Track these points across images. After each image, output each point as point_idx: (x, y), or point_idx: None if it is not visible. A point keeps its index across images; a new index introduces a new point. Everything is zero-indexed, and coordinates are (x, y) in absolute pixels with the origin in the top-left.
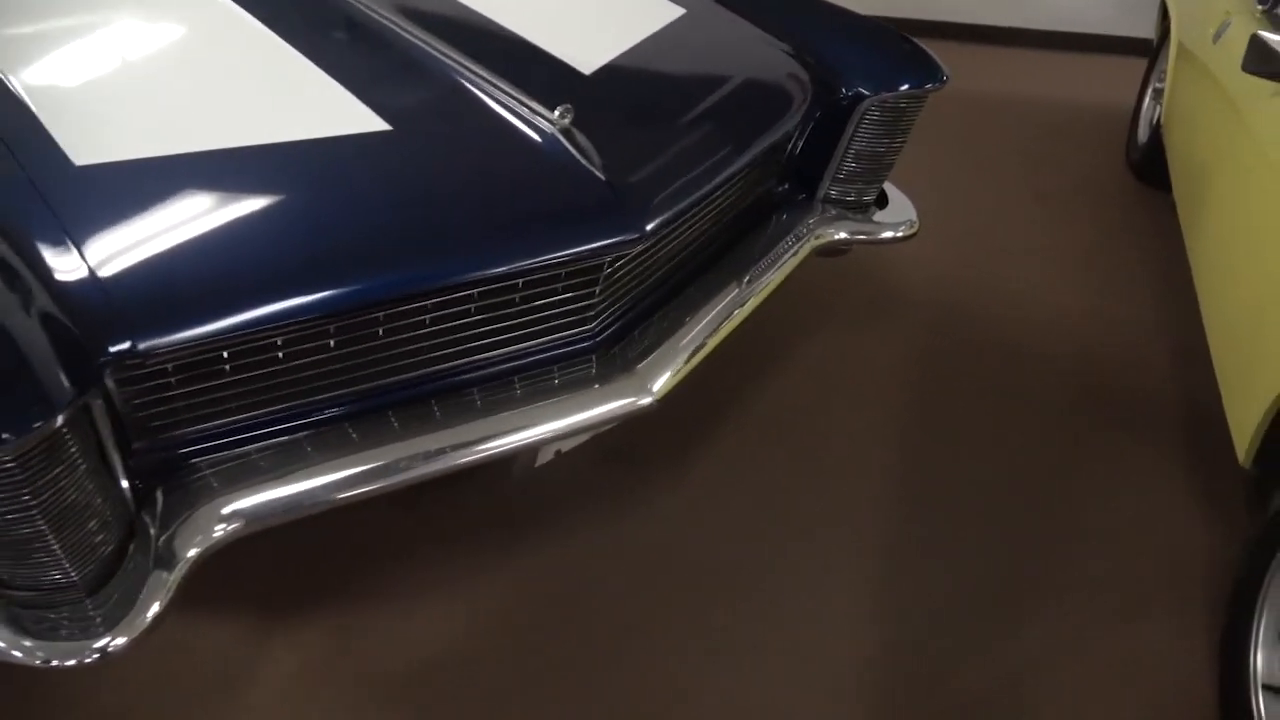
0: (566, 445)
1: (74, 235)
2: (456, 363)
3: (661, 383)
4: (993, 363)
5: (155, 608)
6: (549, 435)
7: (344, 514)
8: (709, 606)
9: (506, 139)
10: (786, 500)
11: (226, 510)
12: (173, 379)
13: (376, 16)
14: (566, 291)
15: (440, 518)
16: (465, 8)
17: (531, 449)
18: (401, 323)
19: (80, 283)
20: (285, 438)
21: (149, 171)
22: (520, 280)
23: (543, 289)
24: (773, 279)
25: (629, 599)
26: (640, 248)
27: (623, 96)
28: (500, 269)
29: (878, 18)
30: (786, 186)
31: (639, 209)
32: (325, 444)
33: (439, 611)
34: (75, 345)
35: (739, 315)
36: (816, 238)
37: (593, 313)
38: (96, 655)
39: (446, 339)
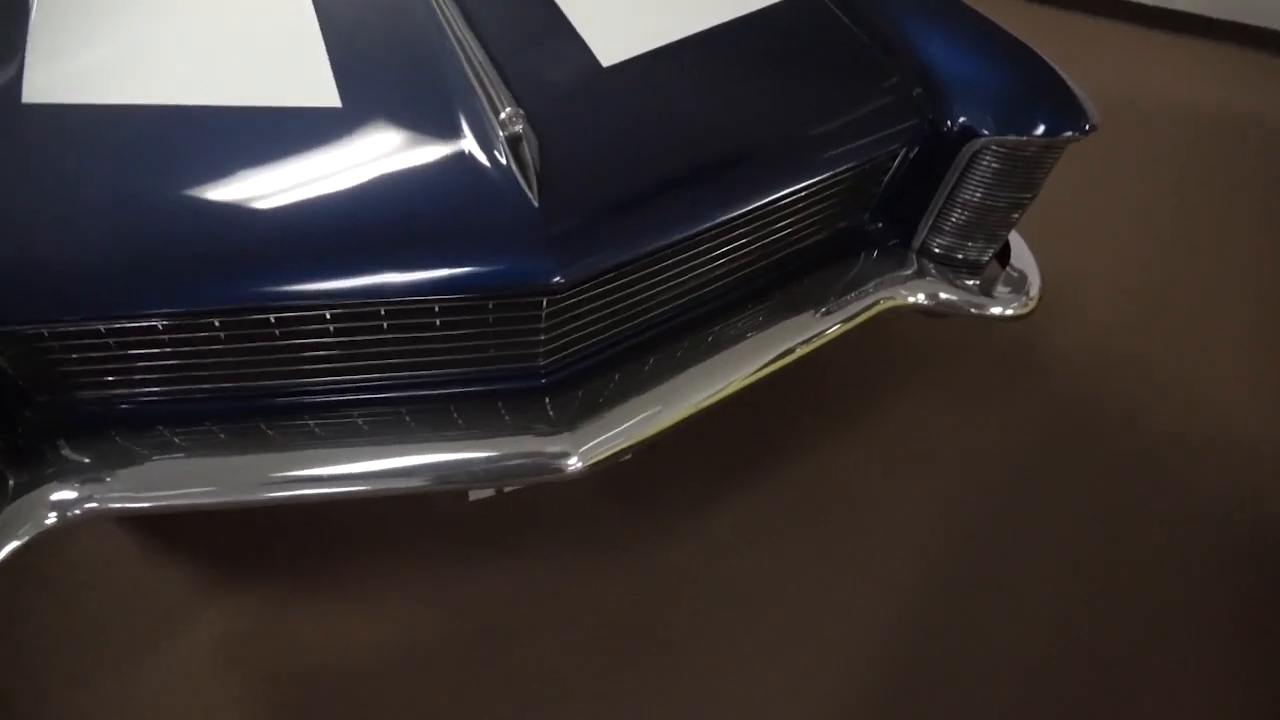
0: (505, 485)
1: None
2: (378, 376)
3: (595, 451)
4: (1115, 474)
5: None
6: (442, 475)
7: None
8: (670, 676)
9: (447, 136)
10: (796, 592)
11: (59, 497)
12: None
13: None
14: (501, 324)
15: (426, 523)
16: None
17: (425, 490)
18: (299, 328)
19: None
20: (169, 429)
21: (71, 118)
22: (434, 304)
23: (466, 317)
24: (800, 348)
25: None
26: (561, 296)
27: (629, 103)
28: (395, 290)
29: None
30: (880, 225)
31: (564, 250)
32: (197, 443)
33: (388, 611)
34: None
35: (734, 385)
36: (884, 300)
37: (540, 349)
38: None
39: (362, 351)
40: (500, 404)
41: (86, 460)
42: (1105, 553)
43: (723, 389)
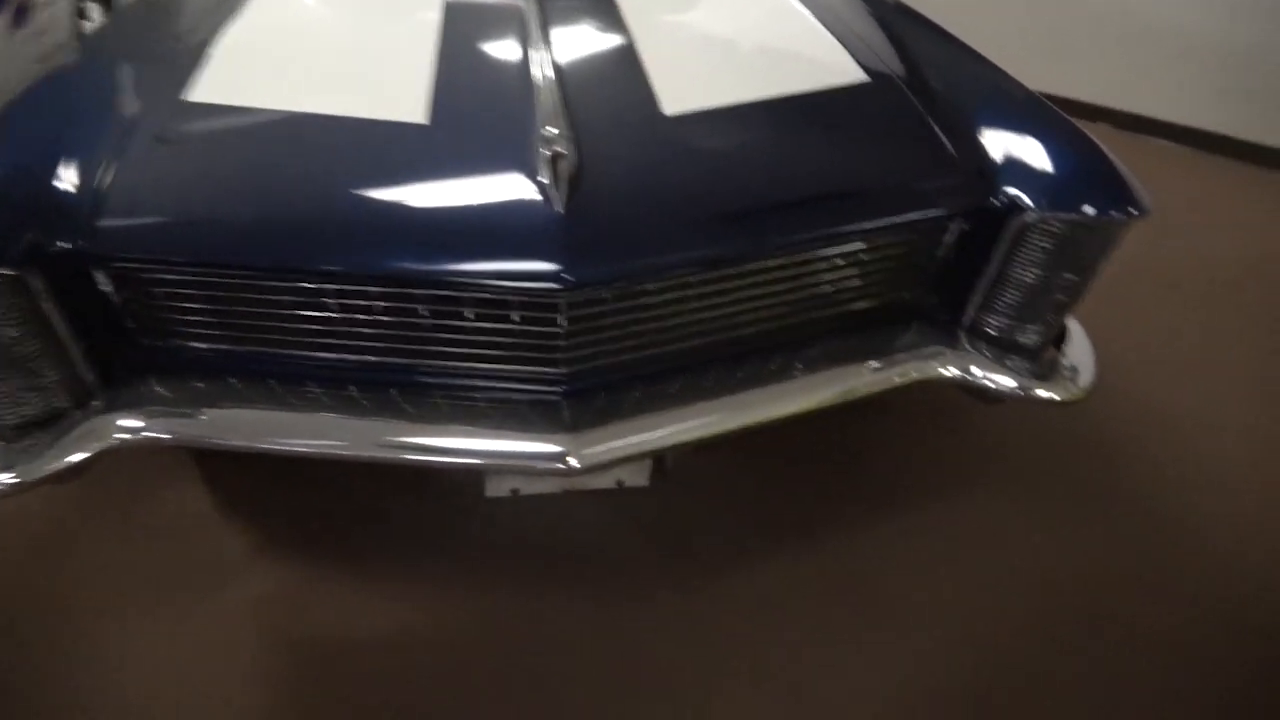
0: (527, 487)
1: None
2: (421, 361)
3: (598, 455)
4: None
5: (43, 472)
6: (467, 453)
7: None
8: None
9: (504, 153)
10: (793, 676)
11: (128, 423)
12: (132, 289)
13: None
14: (526, 323)
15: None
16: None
17: (458, 466)
18: (351, 302)
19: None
20: (229, 378)
21: (218, 114)
22: (465, 296)
23: (493, 311)
24: (818, 396)
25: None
26: (579, 303)
27: (680, 147)
28: (432, 278)
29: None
30: (933, 301)
31: (578, 253)
32: (256, 395)
33: (408, 597)
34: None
35: (751, 420)
36: (917, 370)
37: (560, 355)
38: None
39: (404, 334)
40: (520, 401)
41: (169, 395)
42: (1134, 657)
43: (739, 422)
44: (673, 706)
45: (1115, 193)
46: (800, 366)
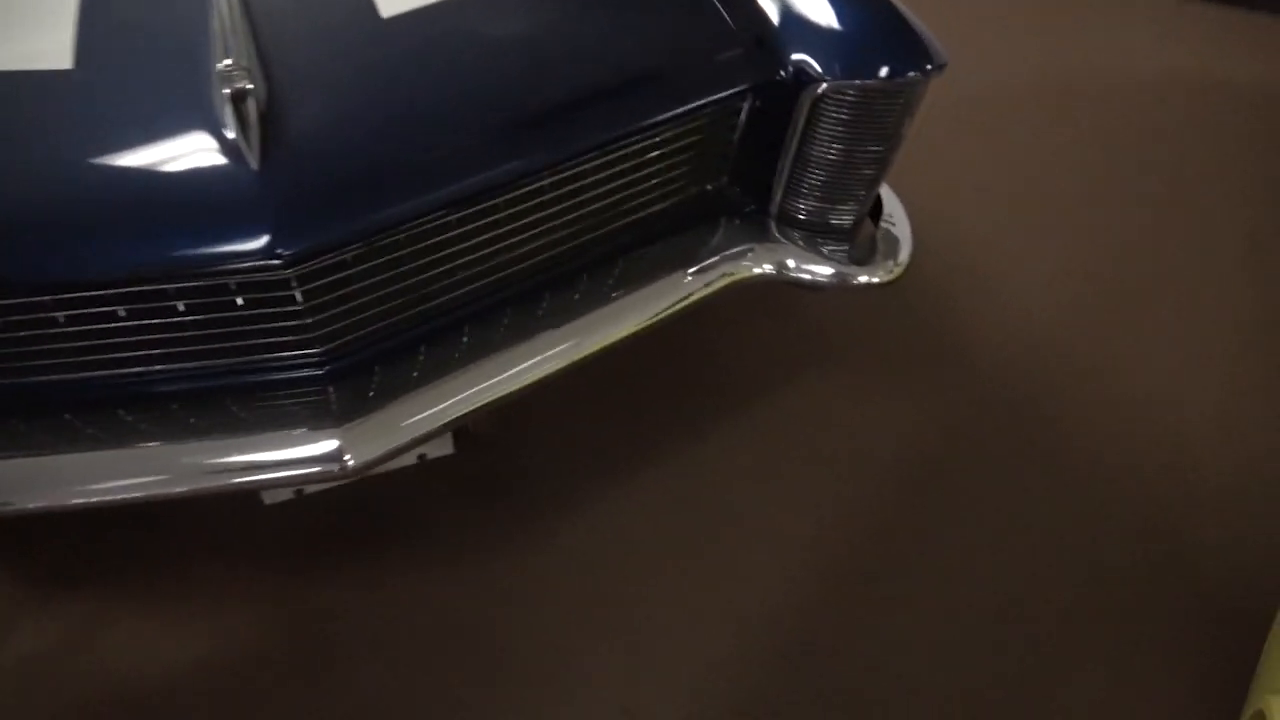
0: (313, 485)
1: None
2: (134, 370)
3: (379, 447)
4: (1028, 475)
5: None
6: (215, 472)
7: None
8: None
9: (174, 98)
10: (657, 607)
11: None
12: None
13: None
14: (255, 307)
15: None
16: None
17: (188, 495)
18: (18, 318)
19: None
20: None
21: None
22: (167, 288)
23: (210, 299)
24: (627, 324)
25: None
26: (314, 273)
27: (407, 56)
28: (111, 272)
29: None
30: (738, 191)
31: (287, 220)
32: None
33: (199, 628)
34: None
35: (555, 367)
36: (726, 275)
37: (313, 334)
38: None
39: (105, 341)
40: (277, 395)
41: None
42: (1021, 560)
43: (542, 372)
44: (512, 679)
45: (909, 48)
46: (607, 292)
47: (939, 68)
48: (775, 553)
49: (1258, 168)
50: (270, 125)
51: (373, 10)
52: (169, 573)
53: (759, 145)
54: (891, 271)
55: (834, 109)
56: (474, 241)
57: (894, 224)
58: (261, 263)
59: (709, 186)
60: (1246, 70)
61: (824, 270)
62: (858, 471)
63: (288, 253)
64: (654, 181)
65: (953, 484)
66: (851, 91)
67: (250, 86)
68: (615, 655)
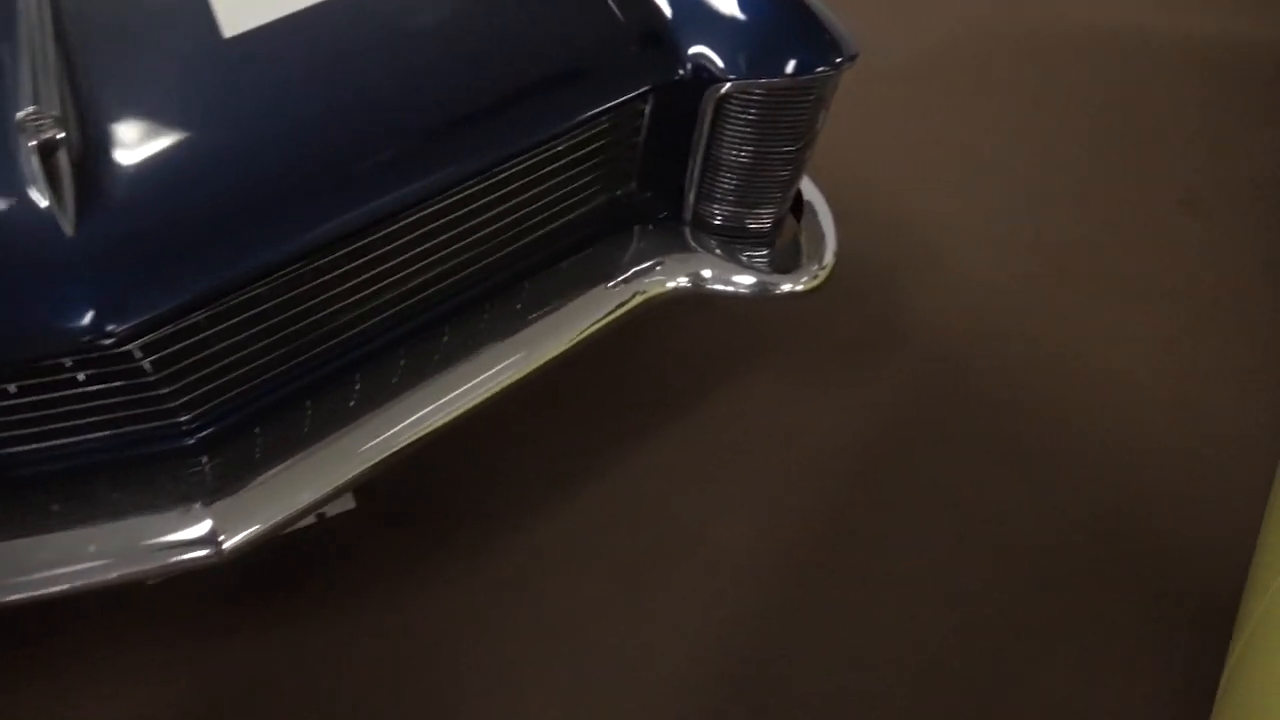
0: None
1: None
2: None
3: (261, 524)
4: (981, 460)
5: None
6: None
7: None
8: None
9: None
10: (596, 630)
11: None
12: None
13: None
14: (100, 381)
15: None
16: None
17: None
18: None
19: None
20: None
21: None
22: None
23: (47, 379)
24: (545, 359)
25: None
26: (151, 338)
27: (263, 87)
28: None
29: None
30: (649, 198)
31: (112, 290)
32: None
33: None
34: None
35: (461, 410)
36: (638, 294)
37: (175, 403)
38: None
39: None
40: (148, 472)
41: None
42: (967, 530)
43: (450, 414)
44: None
45: (815, 40)
46: (513, 322)
47: (850, 59)
48: (720, 564)
49: (1203, 125)
50: (89, 179)
51: (214, 29)
52: (69, 657)
53: (666, 149)
54: (816, 276)
55: (740, 109)
56: (355, 282)
57: (818, 222)
58: (90, 340)
59: (618, 193)
60: (1187, 24)
61: (744, 280)
62: (807, 471)
63: (120, 328)
64: (551, 198)
65: (903, 480)
66: (757, 90)
67: (60, 135)
68: (561, 684)
